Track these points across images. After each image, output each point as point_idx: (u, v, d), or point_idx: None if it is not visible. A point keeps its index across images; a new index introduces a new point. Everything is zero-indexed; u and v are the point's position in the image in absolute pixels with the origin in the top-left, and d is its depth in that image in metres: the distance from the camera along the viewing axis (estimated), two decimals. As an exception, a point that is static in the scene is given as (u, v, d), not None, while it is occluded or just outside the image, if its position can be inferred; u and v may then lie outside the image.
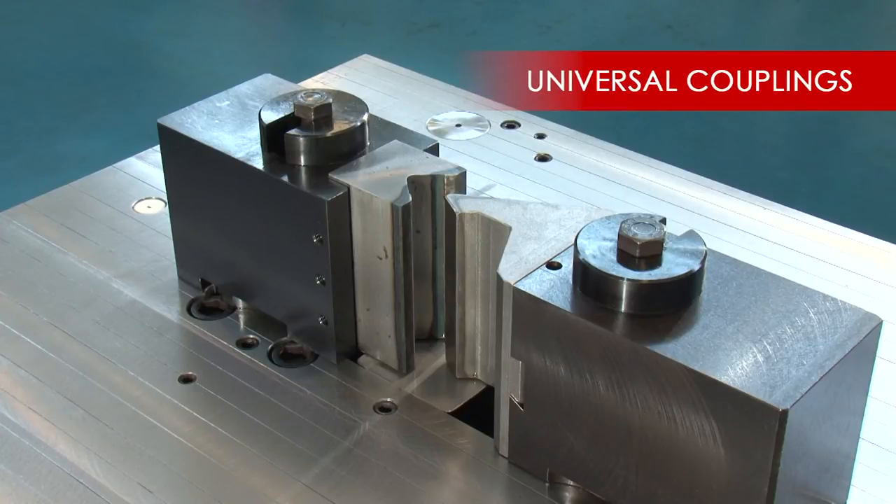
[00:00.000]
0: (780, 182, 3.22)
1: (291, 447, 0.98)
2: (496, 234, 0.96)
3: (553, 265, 0.90)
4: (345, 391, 1.04)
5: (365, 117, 1.07)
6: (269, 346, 1.09)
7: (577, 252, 0.87)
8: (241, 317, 1.13)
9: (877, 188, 3.34)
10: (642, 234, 0.86)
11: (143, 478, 0.95)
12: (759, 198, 1.33)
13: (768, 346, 0.82)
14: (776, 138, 3.67)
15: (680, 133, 3.55)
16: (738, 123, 3.68)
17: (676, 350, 0.81)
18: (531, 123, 1.47)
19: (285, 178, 1.03)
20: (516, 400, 0.92)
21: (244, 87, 1.17)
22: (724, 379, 0.79)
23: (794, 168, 3.46)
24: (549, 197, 1.31)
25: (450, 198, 0.99)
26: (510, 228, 0.94)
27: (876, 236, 1.27)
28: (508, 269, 0.90)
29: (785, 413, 0.76)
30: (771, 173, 3.34)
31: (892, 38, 4.30)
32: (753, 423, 0.78)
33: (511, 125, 1.47)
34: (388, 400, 1.03)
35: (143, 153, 1.39)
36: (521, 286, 0.88)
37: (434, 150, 1.08)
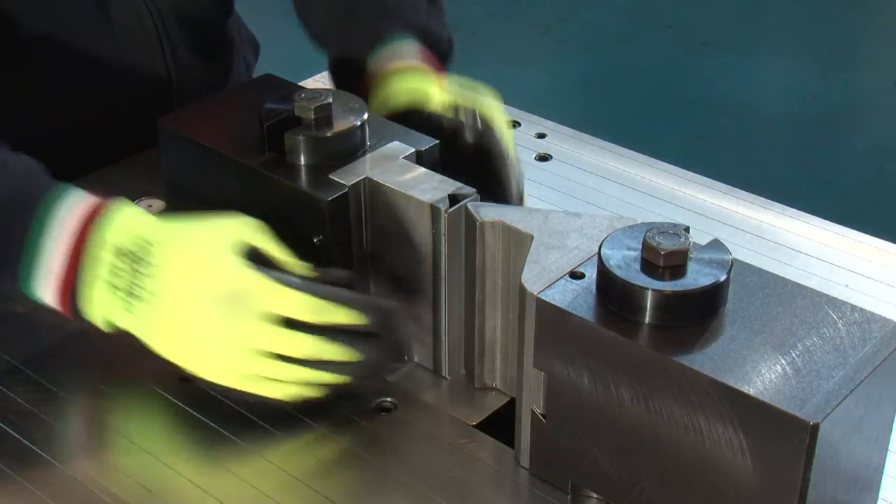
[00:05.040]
0: (780, 182, 3.22)
1: (292, 447, 0.98)
2: (517, 242, 0.96)
3: (576, 275, 0.89)
4: (345, 391, 1.04)
5: (365, 117, 1.07)
6: (270, 346, 1.09)
7: (601, 262, 0.86)
8: (241, 317, 1.13)
9: (877, 188, 3.34)
10: (667, 244, 0.85)
11: (143, 478, 0.95)
12: (759, 198, 1.33)
13: (797, 358, 0.81)
14: (776, 138, 3.67)
15: (680, 133, 3.55)
16: (738, 123, 3.68)
17: (703, 362, 0.80)
18: (531, 123, 1.47)
19: (285, 178, 1.03)
20: (538, 411, 0.92)
21: (244, 87, 1.17)
22: (752, 391, 0.78)
23: (794, 168, 3.46)
24: (549, 197, 1.31)
25: (470, 206, 0.98)
26: (532, 237, 0.94)
27: (876, 236, 1.27)
28: (531, 279, 0.89)
29: (816, 427, 0.75)
30: (771, 173, 3.34)
31: (892, 38, 4.30)
32: (783, 436, 0.77)
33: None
34: (389, 400, 1.03)
35: (143, 153, 1.39)
36: (544, 296, 0.87)
37: (434, 149, 1.08)
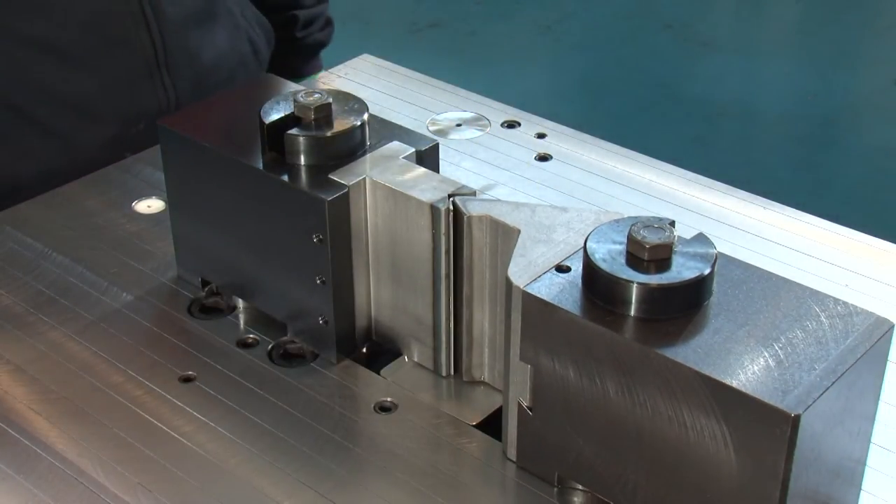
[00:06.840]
0: (780, 182, 3.22)
1: (292, 447, 0.98)
2: (504, 236, 0.96)
3: (562, 268, 0.89)
4: (345, 391, 1.04)
5: (365, 117, 1.07)
6: (270, 346, 1.09)
7: (586, 255, 0.86)
8: (241, 316, 1.13)
9: (877, 188, 3.35)
10: (651, 238, 0.85)
11: (143, 478, 0.95)
12: (759, 198, 1.33)
13: (780, 351, 0.81)
14: (776, 138, 3.68)
15: (680, 133, 3.55)
16: (738, 123, 3.68)
17: (687, 354, 0.81)
18: (531, 123, 1.47)
19: (285, 178, 1.03)
20: (525, 404, 0.92)
21: (244, 87, 1.17)
22: (735, 383, 0.78)
23: (794, 168, 3.47)
24: (549, 197, 1.31)
25: (458, 200, 0.98)
26: (519, 231, 0.94)
27: (876, 236, 1.27)
28: (518, 273, 0.89)
29: (797, 418, 0.76)
30: (771, 173, 3.34)
31: (892, 38, 4.30)
32: (765, 427, 0.77)
33: (511, 125, 1.47)
34: (389, 400, 1.03)
35: (143, 153, 1.39)
36: (530, 289, 0.87)
37: (434, 149, 1.08)
